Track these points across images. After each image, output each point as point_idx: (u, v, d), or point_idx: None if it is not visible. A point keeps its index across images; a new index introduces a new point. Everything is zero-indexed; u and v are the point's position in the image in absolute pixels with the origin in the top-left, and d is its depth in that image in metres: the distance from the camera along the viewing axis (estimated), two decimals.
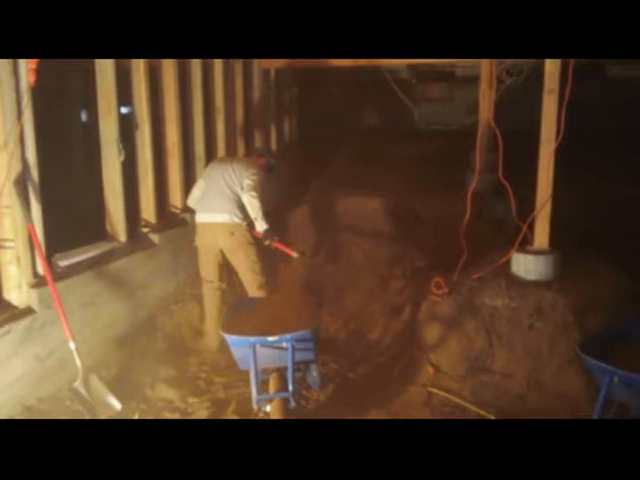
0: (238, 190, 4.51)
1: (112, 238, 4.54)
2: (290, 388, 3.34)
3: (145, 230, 4.92)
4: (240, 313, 3.68)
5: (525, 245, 4.34)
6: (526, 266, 4.25)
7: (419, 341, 4.39)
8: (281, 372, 3.55)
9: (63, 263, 4.01)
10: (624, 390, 2.95)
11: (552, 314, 3.96)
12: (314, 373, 3.78)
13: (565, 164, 4.32)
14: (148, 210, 4.94)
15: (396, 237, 5.77)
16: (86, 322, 4.02)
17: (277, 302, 4.06)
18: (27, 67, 3.46)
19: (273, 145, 7.37)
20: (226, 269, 4.68)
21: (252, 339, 3.31)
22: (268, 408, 3.42)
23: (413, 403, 3.87)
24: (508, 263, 4.34)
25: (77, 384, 3.61)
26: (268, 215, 4.53)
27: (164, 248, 4.98)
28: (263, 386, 3.52)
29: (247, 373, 3.43)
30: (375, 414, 3.69)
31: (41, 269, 3.69)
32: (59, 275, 3.87)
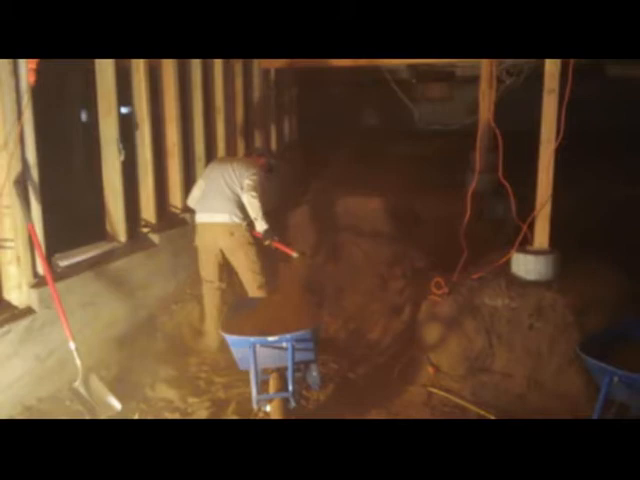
0: (238, 190, 4.51)
1: (112, 238, 4.54)
2: (290, 388, 3.34)
3: (145, 230, 4.92)
4: (240, 313, 3.68)
5: (525, 245, 4.34)
6: (526, 266, 4.25)
7: (419, 341, 4.39)
8: (281, 372, 3.55)
9: (63, 263, 4.01)
10: (624, 390, 2.95)
11: (552, 314, 3.96)
12: (314, 373, 3.78)
13: (565, 164, 4.32)
14: (148, 210, 4.94)
15: (396, 237, 5.77)
16: (86, 322, 4.02)
17: (277, 302, 4.06)
18: (27, 67, 3.46)
19: (273, 145, 7.37)
20: (226, 269, 4.68)
21: (252, 339, 3.31)
22: (268, 408, 3.42)
23: (413, 403, 3.87)
24: (508, 263, 4.34)
25: (77, 384, 3.61)
26: (268, 215, 4.53)
27: (164, 248, 4.98)
28: (263, 386, 3.52)
29: (247, 373, 3.43)
30: (375, 414, 3.69)
31: (41, 269, 3.69)
32: (59, 275, 3.87)
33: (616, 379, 2.92)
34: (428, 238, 5.61)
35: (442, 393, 3.94)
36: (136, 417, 3.67)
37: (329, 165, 7.43)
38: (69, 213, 5.28)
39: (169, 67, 5.12)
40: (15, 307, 3.64)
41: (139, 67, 4.70)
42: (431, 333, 4.33)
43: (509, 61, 6.23)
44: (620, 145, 6.71)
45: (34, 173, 3.65)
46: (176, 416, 3.71)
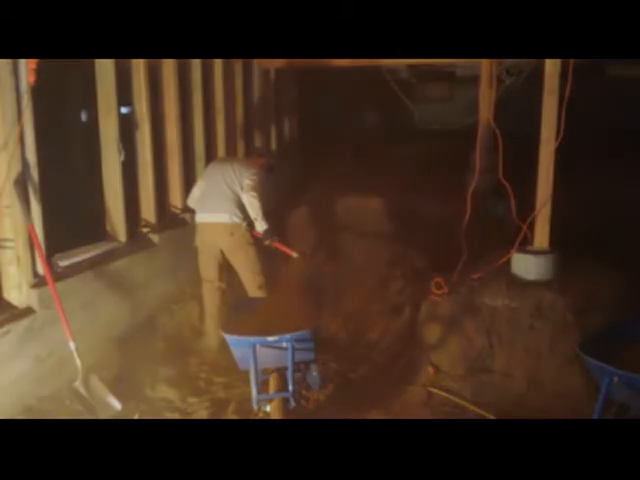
0: (238, 190, 4.51)
1: (112, 238, 4.54)
2: (290, 388, 3.34)
3: (145, 230, 4.92)
4: (240, 313, 3.68)
5: (525, 245, 4.34)
6: (526, 266, 4.25)
7: (419, 341, 4.39)
8: (281, 372, 3.55)
9: (63, 263, 4.01)
10: (624, 390, 2.95)
11: (552, 314, 3.96)
12: (314, 373, 3.78)
13: (565, 164, 4.32)
14: (148, 210, 4.94)
15: (396, 237, 5.78)
16: (86, 322, 4.02)
17: (277, 302, 4.06)
18: (27, 67, 3.46)
19: (273, 145, 7.37)
20: (226, 269, 4.68)
21: (252, 339, 3.31)
22: (268, 408, 3.42)
23: (413, 403, 3.87)
24: (508, 263, 4.34)
25: (77, 384, 3.61)
26: (268, 215, 4.53)
27: (164, 248, 4.97)
28: (263, 386, 3.52)
29: (247, 373, 3.43)
30: (375, 414, 3.69)
31: (41, 269, 3.69)
32: (59, 275, 3.87)
33: (616, 379, 2.91)
34: (428, 238, 5.61)
35: (442, 393, 3.94)
36: (136, 417, 3.67)
37: (329, 165, 7.43)
38: (69, 213, 5.28)
39: (169, 67, 5.12)
40: (15, 307, 3.64)
41: (139, 67, 4.70)
42: (431, 333, 4.32)
43: (509, 61, 6.23)
44: (620, 145, 6.71)
45: (34, 173, 3.64)
46: (176, 416, 3.71)
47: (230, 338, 3.37)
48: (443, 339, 4.24)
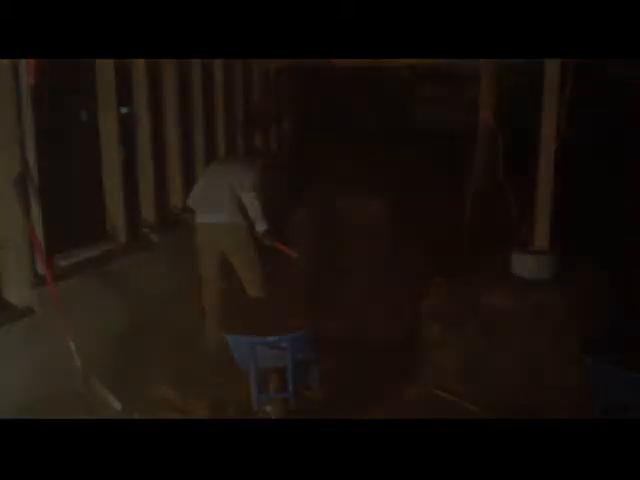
0: (238, 190, 4.51)
1: (112, 238, 4.55)
2: (290, 388, 3.34)
3: (145, 230, 4.92)
4: (240, 313, 3.68)
5: (525, 245, 4.35)
6: (526, 266, 4.25)
7: (419, 341, 4.39)
8: (281, 372, 3.55)
9: (63, 263, 4.01)
10: (624, 390, 2.95)
11: (552, 314, 3.97)
12: (314, 373, 3.78)
13: (565, 164, 4.32)
14: (148, 210, 4.94)
15: (396, 237, 5.78)
16: (86, 322, 4.02)
17: (277, 302, 4.06)
18: (27, 67, 3.46)
19: (273, 145, 7.37)
20: (226, 269, 4.68)
21: (252, 339, 3.31)
22: (268, 408, 3.42)
23: (413, 403, 3.88)
24: (508, 263, 4.34)
25: (77, 384, 3.61)
26: (268, 215, 4.53)
27: (164, 248, 4.98)
28: (263, 386, 3.52)
29: (247, 373, 3.43)
30: (375, 414, 3.69)
31: (41, 269, 3.69)
32: (59, 275, 3.87)
33: (615, 379, 2.92)
34: (428, 238, 5.61)
35: (443, 394, 3.94)
36: (136, 417, 3.67)
37: (329, 165, 7.43)
38: (69, 213, 5.27)
39: (169, 67, 5.12)
40: (15, 307, 3.64)
41: (139, 67, 4.70)
42: (431, 333, 4.33)
43: (509, 61, 6.23)
44: (620, 145, 6.70)
45: (34, 173, 3.65)
46: (176, 416, 3.71)
47: (230, 338, 3.37)
48: (443, 339, 4.25)
